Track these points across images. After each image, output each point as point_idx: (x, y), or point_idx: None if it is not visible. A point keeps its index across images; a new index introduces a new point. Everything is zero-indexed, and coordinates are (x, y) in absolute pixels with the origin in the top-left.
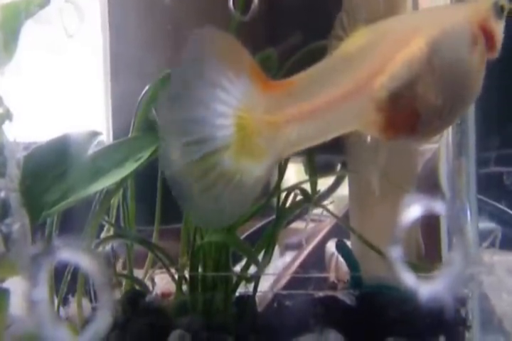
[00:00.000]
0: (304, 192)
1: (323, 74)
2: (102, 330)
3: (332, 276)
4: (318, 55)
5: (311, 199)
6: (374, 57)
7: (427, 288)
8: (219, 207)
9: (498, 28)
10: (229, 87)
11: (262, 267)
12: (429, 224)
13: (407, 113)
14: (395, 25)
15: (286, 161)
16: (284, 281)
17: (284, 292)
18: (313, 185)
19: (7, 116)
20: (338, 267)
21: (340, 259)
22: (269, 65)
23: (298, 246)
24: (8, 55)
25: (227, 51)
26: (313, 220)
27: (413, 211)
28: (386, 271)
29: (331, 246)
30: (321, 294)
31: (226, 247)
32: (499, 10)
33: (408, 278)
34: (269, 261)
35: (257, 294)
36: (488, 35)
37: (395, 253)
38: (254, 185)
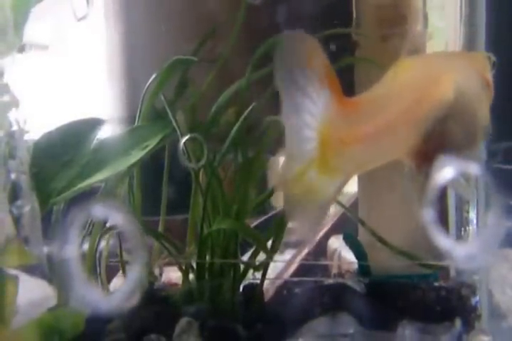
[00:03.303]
0: None
1: (379, 99)
2: (135, 287)
3: (335, 271)
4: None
5: None
6: (414, 93)
7: (462, 250)
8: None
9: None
10: (315, 98)
11: (271, 254)
12: (438, 215)
13: (436, 146)
14: (428, 66)
15: None
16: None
17: (293, 279)
18: None
19: (14, 103)
20: (340, 263)
21: (343, 255)
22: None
23: (298, 244)
24: (17, 38)
25: (316, 60)
26: None
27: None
28: (395, 262)
29: (333, 242)
30: (330, 281)
31: (235, 235)
32: (491, 63)
33: (444, 242)
34: (277, 249)
35: (266, 282)
36: (487, 83)
37: (429, 216)
38: (326, 204)
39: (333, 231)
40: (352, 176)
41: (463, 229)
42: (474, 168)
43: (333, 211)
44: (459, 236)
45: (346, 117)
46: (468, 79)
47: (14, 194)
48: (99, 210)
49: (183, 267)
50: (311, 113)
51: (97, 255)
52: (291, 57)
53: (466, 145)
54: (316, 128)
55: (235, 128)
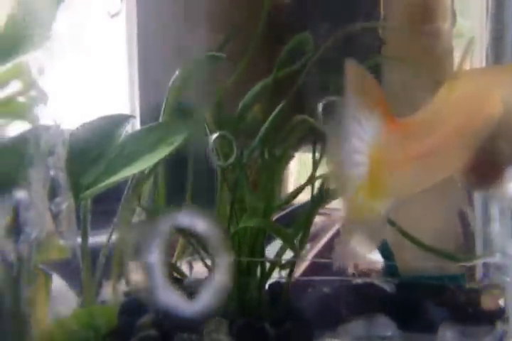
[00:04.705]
0: None
1: (430, 119)
2: (219, 291)
3: (355, 269)
4: (354, 39)
5: None
6: (465, 111)
7: None
8: None
9: None
10: (365, 124)
11: (299, 252)
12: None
13: (488, 163)
14: (476, 82)
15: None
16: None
17: (319, 278)
18: None
19: (42, 99)
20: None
21: (359, 252)
22: (305, 48)
23: (312, 239)
24: (46, 34)
25: (363, 85)
26: (321, 214)
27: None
28: (421, 262)
29: None
30: (359, 281)
31: (262, 233)
32: None
33: None
34: (304, 247)
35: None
36: None
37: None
38: (379, 225)
39: None
40: (403, 197)
41: (488, 225)
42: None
43: None
44: (484, 232)
45: (397, 140)
46: None
47: (52, 191)
48: (185, 218)
49: (209, 264)
50: (360, 138)
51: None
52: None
53: None
54: (366, 153)
55: (265, 125)
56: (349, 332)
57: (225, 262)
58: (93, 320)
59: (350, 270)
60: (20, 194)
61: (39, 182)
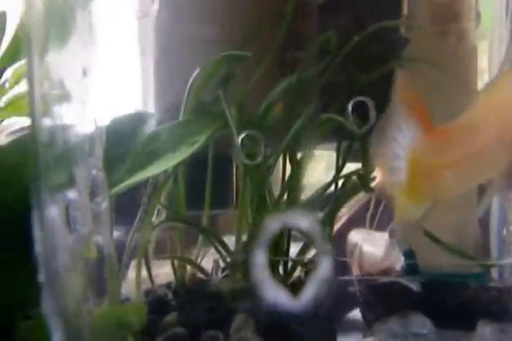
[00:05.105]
0: (361, 178)
1: (469, 125)
2: (323, 287)
3: (355, 266)
4: (378, 38)
5: (368, 185)
6: (503, 114)
7: None
8: None
9: None
10: (404, 129)
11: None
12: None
13: None
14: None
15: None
16: None
17: (342, 278)
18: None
19: (66, 98)
20: (361, 258)
21: (364, 250)
22: (327, 47)
23: None
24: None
25: (404, 92)
26: None
27: None
28: (442, 260)
29: (355, 235)
30: (385, 280)
31: (287, 232)
32: None
33: None
34: (327, 246)
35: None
36: None
37: None
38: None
39: (350, 225)
40: (439, 201)
41: (505, 228)
42: None
43: (353, 202)
44: (501, 236)
45: (436, 145)
46: None
47: (92, 190)
48: (292, 218)
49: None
50: (400, 145)
51: None
52: None
53: None
54: (403, 158)
55: (296, 125)
56: (385, 330)
57: (328, 260)
58: (127, 317)
59: (355, 270)
60: (71, 193)
61: (83, 182)
